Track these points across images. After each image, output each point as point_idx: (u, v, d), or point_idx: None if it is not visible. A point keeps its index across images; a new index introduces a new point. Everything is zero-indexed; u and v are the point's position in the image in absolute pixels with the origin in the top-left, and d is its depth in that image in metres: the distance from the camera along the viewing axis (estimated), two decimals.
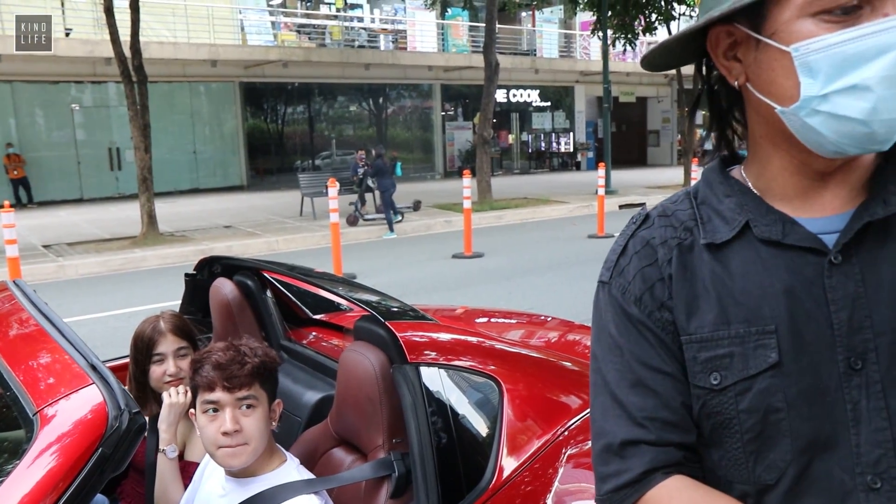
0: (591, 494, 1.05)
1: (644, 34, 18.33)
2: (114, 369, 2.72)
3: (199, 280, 2.93)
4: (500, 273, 8.92)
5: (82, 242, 11.44)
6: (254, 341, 1.82)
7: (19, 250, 7.63)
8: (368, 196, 13.92)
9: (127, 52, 11.12)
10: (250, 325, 2.65)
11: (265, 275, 2.83)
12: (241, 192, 19.55)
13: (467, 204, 10.23)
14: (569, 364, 2.30)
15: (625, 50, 18.53)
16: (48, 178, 17.71)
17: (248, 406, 1.70)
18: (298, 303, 2.96)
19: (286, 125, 22.04)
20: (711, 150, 1.00)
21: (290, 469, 1.80)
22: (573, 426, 1.97)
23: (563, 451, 1.90)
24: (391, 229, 12.52)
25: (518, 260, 9.79)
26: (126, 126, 12.90)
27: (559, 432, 1.93)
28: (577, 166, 26.41)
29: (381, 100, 23.61)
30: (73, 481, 1.26)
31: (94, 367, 1.46)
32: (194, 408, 1.76)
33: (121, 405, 1.35)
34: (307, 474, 1.83)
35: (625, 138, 29.03)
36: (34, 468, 1.27)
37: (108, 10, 10.97)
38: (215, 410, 1.69)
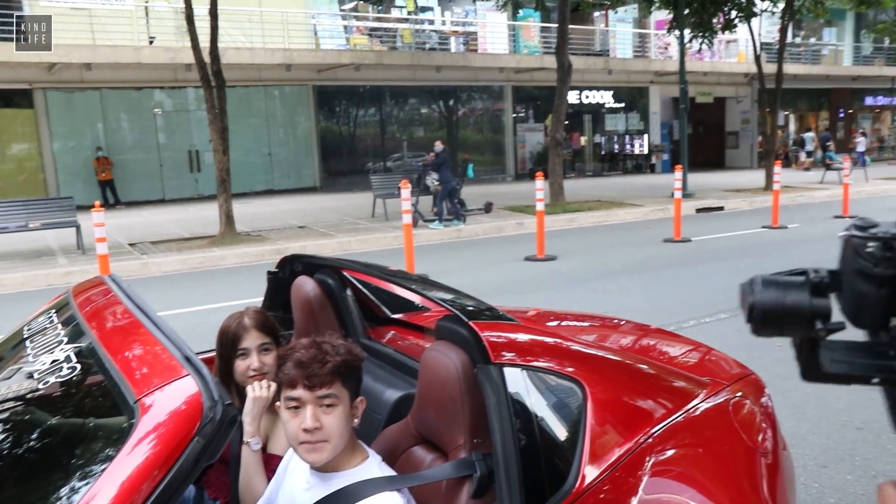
0: None
1: (723, 32, 17.84)
2: None
3: (281, 278, 2.99)
4: (573, 276, 8.82)
5: (164, 241, 11.88)
6: (337, 338, 1.85)
7: (109, 249, 7.95)
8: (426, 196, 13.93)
9: (206, 57, 11.51)
10: (331, 322, 2.69)
11: (345, 273, 2.87)
12: (313, 194, 19.93)
13: (540, 206, 10.16)
14: (650, 368, 2.25)
15: (701, 49, 18.07)
16: (133, 180, 18.50)
17: (329, 404, 1.72)
18: (377, 301, 2.99)
19: (358, 127, 22.35)
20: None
21: (373, 466, 1.82)
22: (657, 433, 1.93)
23: (647, 459, 1.86)
24: (440, 220, 12.55)
25: (591, 263, 9.66)
26: (204, 129, 13.37)
27: (642, 440, 1.89)
28: (652, 169, 25.92)
29: (451, 102, 23.68)
30: (170, 470, 1.30)
31: (188, 359, 1.51)
32: (280, 401, 1.80)
33: (214, 396, 1.39)
34: (389, 471, 1.84)
35: (702, 140, 28.32)
36: (134, 456, 1.31)
37: (189, 18, 11.39)
38: (297, 407, 1.72)
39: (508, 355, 1.87)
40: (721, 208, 15.14)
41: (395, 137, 22.42)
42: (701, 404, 2.12)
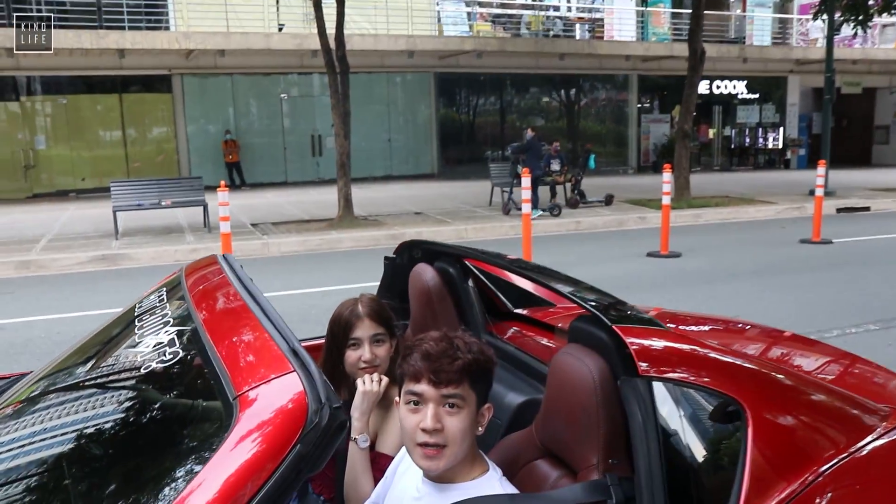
0: None
1: (879, 14, 16.32)
2: (308, 349, 2.75)
3: (399, 264, 2.83)
4: (699, 275, 8.30)
5: (285, 223, 12.17)
6: (470, 336, 1.66)
7: (232, 228, 8.17)
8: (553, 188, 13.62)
9: (332, 43, 11.66)
10: (449, 314, 2.50)
11: (467, 263, 2.67)
12: (431, 181, 20.02)
13: (666, 200, 9.64)
14: (820, 391, 1.92)
15: (855, 34, 16.64)
16: (258, 163, 19.20)
17: (453, 405, 1.55)
18: (500, 295, 2.78)
19: (477, 115, 22.33)
20: None
21: (493, 481, 1.62)
22: (828, 472, 1.62)
23: (817, 502, 1.56)
24: (536, 209, 12.27)
25: (719, 262, 9.07)
26: (327, 115, 13.59)
27: (810, 480, 1.59)
28: (786, 164, 24.33)
29: (573, 91, 23.16)
30: (268, 480, 1.14)
31: (295, 353, 1.34)
32: (399, 396, 1.63)
33: (322, 398, 1.22)
34: (510, 488, 1.64)
35: (845, 134, 26.25)
36: (229, 460, 1.16)
37: (317, 5, 11.59)
38: (417, 403, 1.56)
39: (657, 367, 1.61)
40: (867, 209, 13.95)
41: (514, 126, 22.15)
42: (880, 439, 1.77)
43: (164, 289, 2.06)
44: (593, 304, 1.79)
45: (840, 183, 17.04)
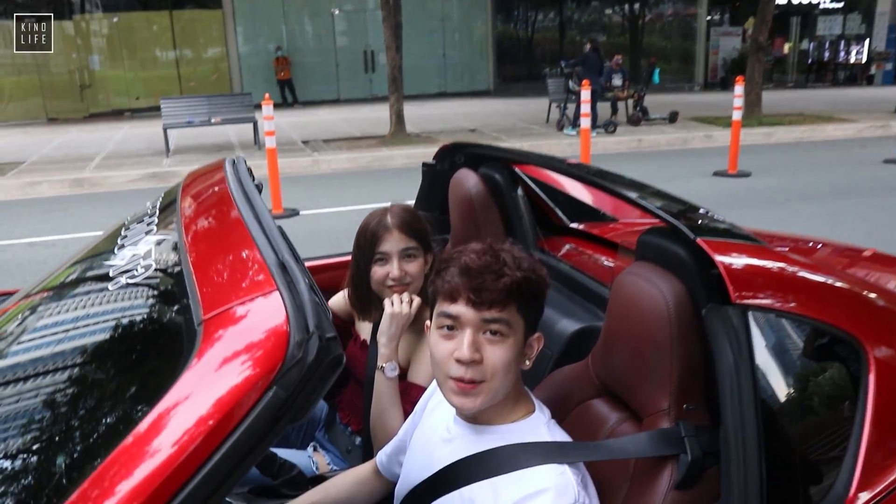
0: None
1: None
2: (339, 265, 2.49)
3: (439, 171, 2.50)
4: (770, 195, 7.73)
5: (336, 140, 11.93)
6: (520, 250, 1.33)
7: (283, 145, 7.94)
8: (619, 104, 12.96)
9: None
10: (495, 226, 2.18)
11: (516, 170, 2.32)
12: (487, 98, 19.42)
13: (737, 115, 8.96)
14: None
15: None
16: (310, 81, 18.86)
17: (496, 332, 1.24)
18: (554, 206, 2.42)
19: (536, 31, 21.79)
20: None
21: (539, 424, 1.33)
22: None
23: None
24: (594, 126, 11.48)
25: (793, 183, 8.44)
26: (380, 30, 13.06)
27: None
28: (869, 80, 22.61)
29: (636, 5, 21.99)
30: (234, 431, 0.85)
31: (284, 268, 1.03)
32: (430, 319, 1.34)
33: (309, 326, 0.91)
34: (560, 434, 1.34)
35: None
36: (185, 403, 0.87)
37: None
38: (452, 328, 1.26)
39: (753, 293, 1.25)
40: None
41: (574, 42, 21.26)
42: None
43: (161, 198, 1.78)
44: (669, 212, 1.42)
45: None
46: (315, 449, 2.11)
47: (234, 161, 1.77)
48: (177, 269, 1.16)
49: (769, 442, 1.17)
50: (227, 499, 1.65)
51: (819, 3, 22.43)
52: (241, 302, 0.97)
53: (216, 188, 1.57)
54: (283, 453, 1.95)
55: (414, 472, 1.43)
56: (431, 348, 1.30)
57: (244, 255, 1.13)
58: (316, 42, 19.05)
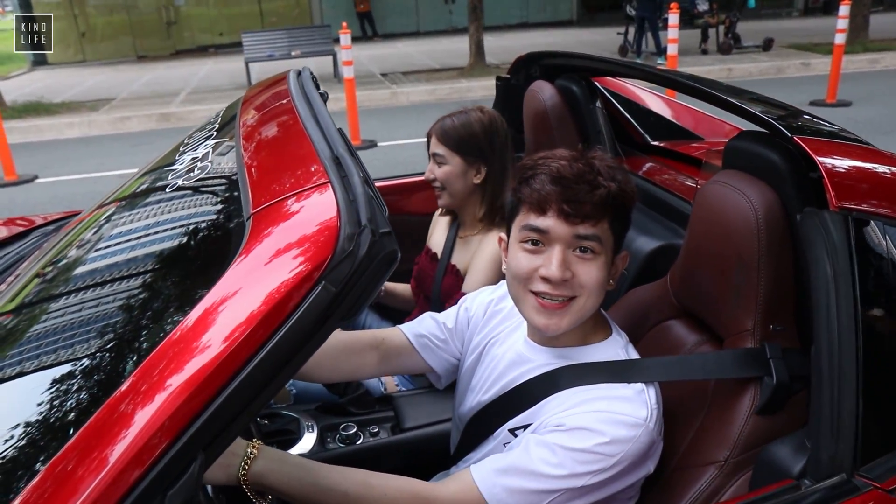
0: None
1: None
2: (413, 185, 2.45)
3: (514, 85, 2.38)
4: (872, 126, 7.19)
5: (415, 72, 11.78)
6: (612, 159, 1.21)
7: (361, 78, 7.88)
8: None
9: None
10: (571, 141, 2.06)
11: (596, 83, 2.17)
12: (570, 28, 18.73)
13: (840, 39, 8.29)
14: None
15: None
16: (390, 13, 18.54)
17: (587, 249, 1.14)
18: (634, 123, 2.27)
19: None
20: None
21: (616, 347, 1.24)
22: None
23: None
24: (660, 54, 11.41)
25: None
26: None
27: None
28: None
29: None
30: (281, 326, 0.80)
31: (338, 162, 0.97)
32: (506, 233, 1.24)
33: (361, 219, 0.85)
34: (637, 356, 1.25)
35: None
36: (232, 296, 0.83)
37: None
38: (537, 243, 1.15)
39: (860, 199, 1.11)
40: None
41: None
42: None
43: (225, 108, 1.74)
44: (760, 110, 1.28)
45: None
46: None
47: (299, 72, 1.71)
48: (231, 167, 1.12)
49: (868, 366, 1.05)
50: (295, 414, 1.67)
51: None
52: (291, 195, 0.92)
53: (277, 95, 1.51)
54: None
55: (479, 384, 1.36)
56: (510, 262, 1.20)
57: (298, 151, 1.07)
58: None
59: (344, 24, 7.84)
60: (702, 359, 1.25)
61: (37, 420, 0.88)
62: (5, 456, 0.84)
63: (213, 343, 0.81)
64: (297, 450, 1.58)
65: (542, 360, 1.24)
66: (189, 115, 9.61)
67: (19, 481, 0.78)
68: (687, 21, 11.94)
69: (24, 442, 0.86)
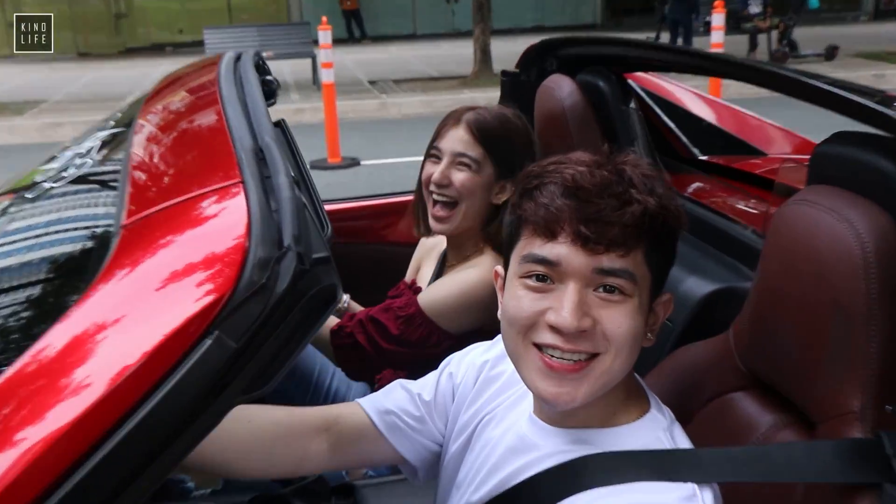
0: None
1: None
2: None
3: (524, 82, 2.29)
4: None
5: (409, 80, 12.04)
6: (649, 165, 1.06)
7: (346, 86, 7.90)
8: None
9: None
10: (595, 149, 1.92)
11: (630, 82, 2.05)
12: (593, 32, 19.15)
13: None
14: None
15: None
16: (382, 12, 19.06)
17: (614, 289, 0.98)
18: (678, 132, 2.15)
19: None
20: None
21: (656, 429, 1.07)
22: None
23: None
24: None
25: None
26: None
27: None
28: None
29: None
30: (139, 406, 0.62)
31: (261, 157, 0.79)
32: (505, 265, 1.10)
33: (284, 238, 0.68)
34: (686, 444, 1.08)
35: None
36: (77, 352, 0.65)
37: None
38: (545, 279, 0.99)
39: None
40: None
41: None
42: None
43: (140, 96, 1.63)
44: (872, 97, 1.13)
45: None
46: None
47: (239, 55, 1.56)
48: (115, 166, 0.96)
49: None
50: None
51: None
52: (184, 200, 0.74)
53: (201, 82, 1.38)
54: None
55: (468, 479, 1.20)
56: (506, 304, 1.04)
57: (211, 143, 0.92)
58: None
59: (324, 19, 7.82)
60: (785, 451, 1.09)
61: None
62: None
63: (41, 416, 0.62)
64: None
65: (553, 448, 1.08)
66: None
67: None
68: (733, 25, 12.07)
69: None
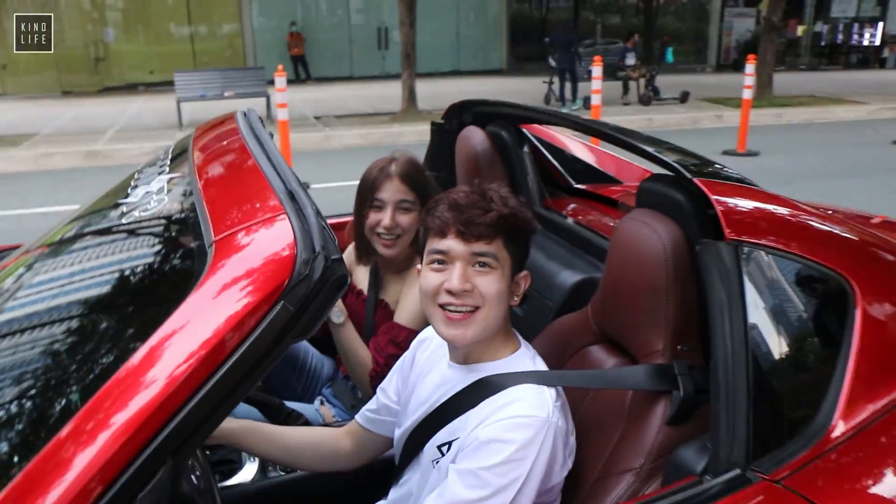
0: None
1: None
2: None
3: (448, 130, 2.51)
4: (778, 175, 7.67)
5: (348, 116, 11.92)
6: (507, 190, 1.37)
7: (295, 121, 7.92)
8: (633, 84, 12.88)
9: None
10: (500, 183, 2.19)
11: (523, 130, 2.33)
12: (500, 77, 19.31)
13: (747, 94, 8.89)
14: None
15: None
16: (324, 57, 18.74)
17: (484, 264, 1.29)
18: (559, 167, 2.44)
19: (550, 11, 21.56)
20: None
21: (524, 359, 1.37)
22: None
23: None
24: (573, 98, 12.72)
25: (801, 162, 8.40)
26: (394, 7, 13.01)
27: None
28: (882, 64, 22.29)
29: None
30: (241, 344, 0.89)
31: (292, 196, 1.07)
32: (421, 261, 1.38)
33: (315, 246, 0.95)
34: (544, 368, 1.37)
35: None
36: (196, 316, 0.92)
37: None
38: (442, 262, 1.30)
39: (747, 232, 1.28)
40: None
41: (589, 21, 21.10)
42: None
43: (173, 146, 1.82)
44: (674, 159, 1.45)
45: None
46: (322, 403, 2.15)
47: (245, 112, 1.81)
48: (190, 200, 1.20)
49: (757, 375, 1.20)
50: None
51: None
52: (251, 224, 1.02)
53: (227, 133, 1.61)
54: (291, 405, 2.00)
55: (412, 409, 1.45)
56: (421, 282, 1.34)
57: (254, 185, 1.17)
58: (330, 18, 18.96)
59: (280, 66, 7.94)
60: (616, 372, 1.39)
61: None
62: None
63: (181, 356, 0.89)
64: (238, 479, 1.63)
65: (462, 377, 1.36)
66: (117, 153, 9.44)
67: None
68: (609, 73, 12.55)
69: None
